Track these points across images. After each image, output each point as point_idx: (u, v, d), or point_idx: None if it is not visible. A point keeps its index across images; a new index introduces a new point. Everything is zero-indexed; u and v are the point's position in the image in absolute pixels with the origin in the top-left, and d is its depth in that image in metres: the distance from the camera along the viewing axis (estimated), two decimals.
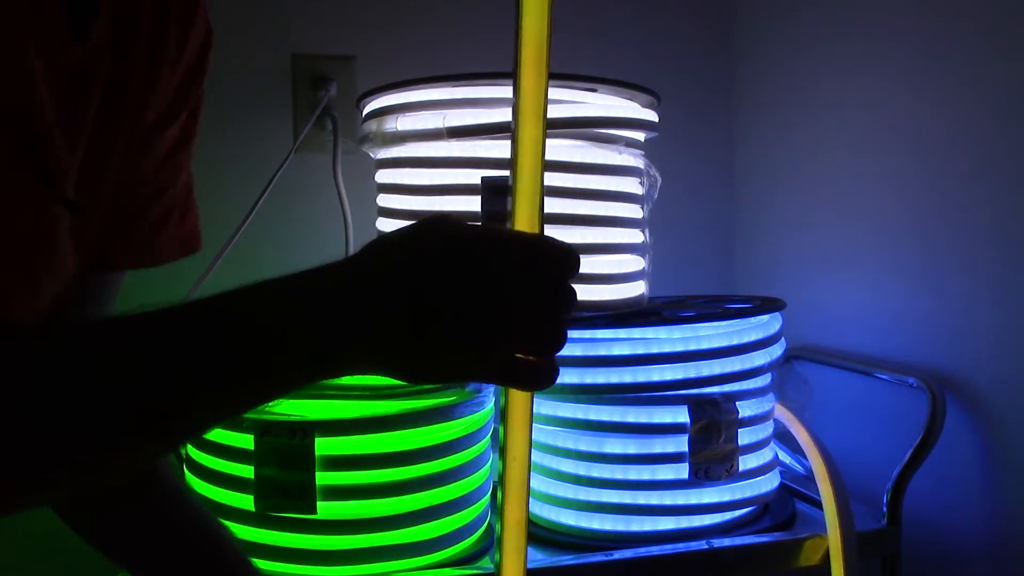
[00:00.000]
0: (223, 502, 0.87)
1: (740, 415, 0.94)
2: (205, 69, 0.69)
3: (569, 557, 0.91)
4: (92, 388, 0.44)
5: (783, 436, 1.08)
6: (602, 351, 0.93)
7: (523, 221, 0.55)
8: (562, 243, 0.52)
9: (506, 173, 0.88)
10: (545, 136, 0.55)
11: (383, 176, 1.01)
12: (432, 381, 0.53)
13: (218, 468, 0.87)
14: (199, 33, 0.66)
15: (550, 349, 0.52)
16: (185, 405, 0.46)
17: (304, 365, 0.48)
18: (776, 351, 0.99)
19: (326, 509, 0.84)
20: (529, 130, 0.55)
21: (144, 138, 0.65)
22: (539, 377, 0.53)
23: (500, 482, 0.59)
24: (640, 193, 0.99)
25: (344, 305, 0.48)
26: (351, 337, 0.48)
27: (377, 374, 0.51)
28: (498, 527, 0.60)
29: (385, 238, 0.52)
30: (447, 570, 0.89)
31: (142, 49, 0.61)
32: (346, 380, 0.80)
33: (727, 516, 0.97)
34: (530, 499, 0.99)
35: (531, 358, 0.52)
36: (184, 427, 0.49)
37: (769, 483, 0.99)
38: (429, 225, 0.52)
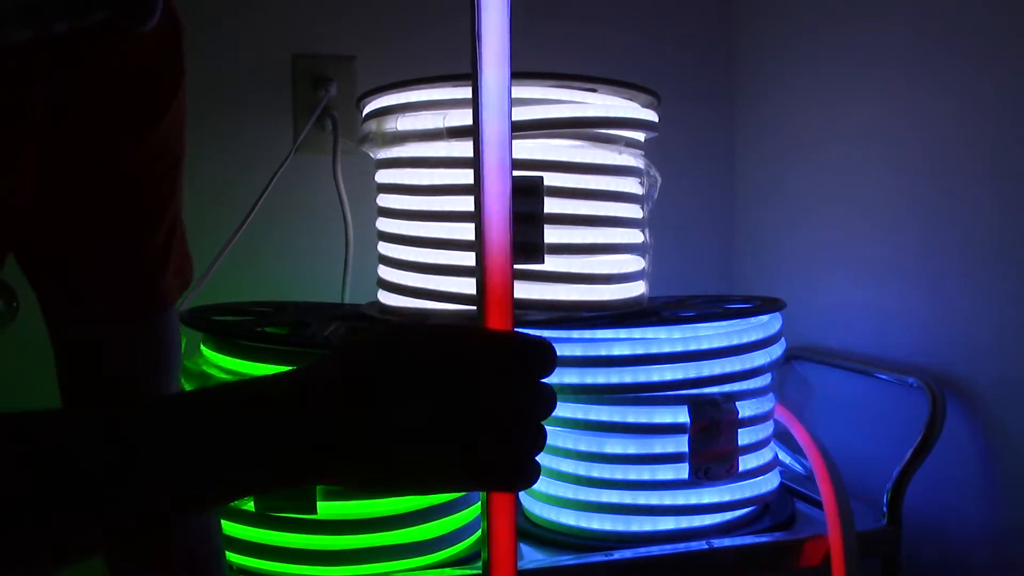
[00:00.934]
0: None
1: (740, 415, 0.94)
2: (178, 68, 0.64)
3: (569, 557, 0.91)
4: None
5: (783, 436, 1.08)
6: (602, 351, 0.93)
7: (494, 317, 0.52)
8: (536, 340, 0.50)
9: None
10: (511, 130, 0.52)
11: (383, 176, 1.01)
12: (409, 492, 0.51)
13: None
14: (152, 34, 0.61)
15: (528, 452, 0.50)
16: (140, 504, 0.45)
17: (260, 473, 0.47)
18: (776, 351, 0.99)
19: (326, 509, 0.84)
20: (496, 239, 0.51)
21: (111, 157, 0.62)
22: (518, 480, 0.50)
23: (484, 544, 0.56)
24: (640, 193, 0.99)
25: (302, 423, 0.47)
26: (312, 450, 0.47)
27: (343, 485, 0.50)
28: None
29: (349, 354, 0.50)
30: (447, 570, 0.89)
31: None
32: None
33: (727, 516, 0.97)
34: (530, 499, 0.99)
35: (509, 460, 0.49)
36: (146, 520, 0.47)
37: (769, 483, 0.99)
38: (394, 337, 0.50)
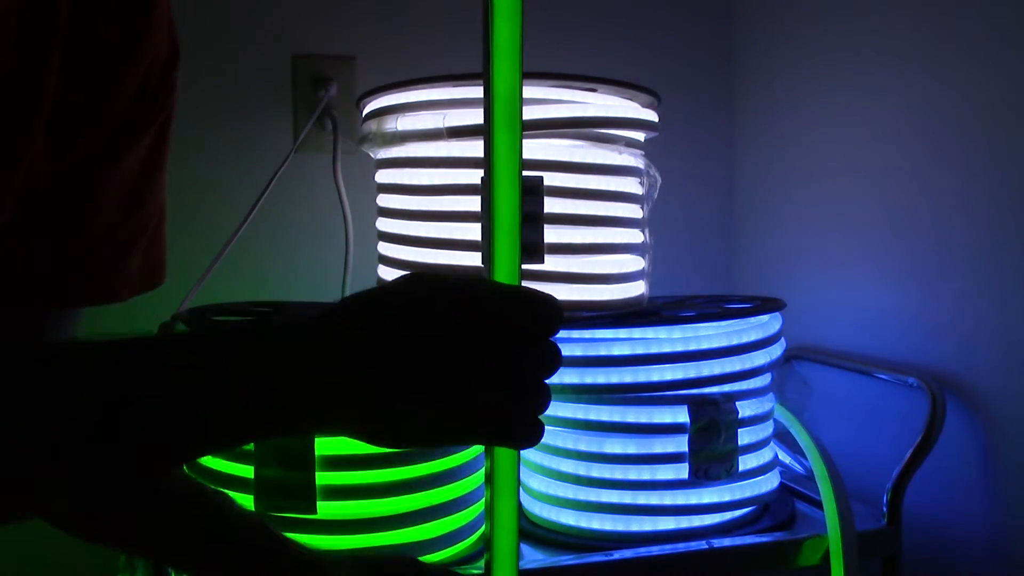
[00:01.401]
0: None
1: (740, 415, 0.94)
2: (168, 91, 0.64)
3: (569, 557, 0.91)
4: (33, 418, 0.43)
5: (783, 436, 1.08)
6: (602, 351, 0.93)
7: (503, 271, 0.53)
8: (544, 297, 0.50)
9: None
10: (521, 178, 0.53)
11: (383, 176, 1.01)
12: (405, 440, 0.50)
13: (218, 468, 0.87)
14: (156, 48, 0.62)
15: (530, 409, 0.49)
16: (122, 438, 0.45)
17: (256, 404, 0.46)
18: (776, 351, 0.99)
19: (326, 509, 0.84)
20: (505, 184, 0.52)
21: (90, 161, 0.61)
22: (522, 438, 0.50)
23: (487, 547, 0.56)
24: (640, 193, 0.99)
25: (302, 336, 0.47)
26: (311, 373, 0.46)
27: (346, 434, 0.49)
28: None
29: (362, 291, 0.50)
30: None
31: (57, 42, 0.56)
32: None
33: (727, 516, 0.97)
34: (530, 499, 0.99)
35: (511, 415, 0.49)
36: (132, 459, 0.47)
37: (769, 483, 0.99)
38: (409, 276, 0.50)
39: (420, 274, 0.51)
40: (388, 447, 0.51)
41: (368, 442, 0.49)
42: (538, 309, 0.49)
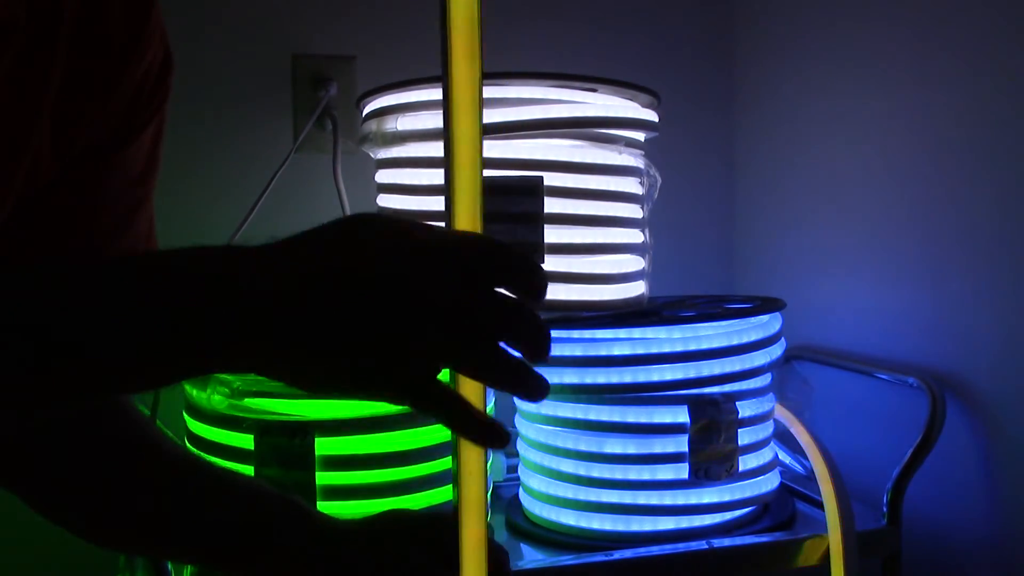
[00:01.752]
0: None
1: (740, 415, 0.94)
2: (163, 94, 0.65)
3: (569, 557, 0.91)
4: None
5: (783, 436, 1.08)
6: (602, 351, 0.93)
7: (463, 221, 0.49)
8: (490, 241, 0.46)
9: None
10: (482, 129, 0.51)
11: (383, 176, 1.01)
12: (328, 386, 0.47)
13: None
14: (153, 52, 0.62)
15: (474, 364, 0.45)
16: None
17: (164, 333, 0.45)
18: (776, 351, 0.99)
19: (326, 509, 0.84)
20: (464, 123, 0.52)
21: (91, 160, 0.61)
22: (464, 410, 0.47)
23: (455, 500, 0.53)
24: (640, 193, 0.99)
25: (218, 267, 0.47)
26: (221, 298, 0.45)
27: (268, 373, 0.47)
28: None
29: (298, 236, 0.49)
30: None
31: (63, 37, 0.56)
32: None
33: (727, 516, 0.97)
34: (530, 499, 0.99)
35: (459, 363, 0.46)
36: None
37: (769, 483, 0.99)
38: (349, 216, 0.49)
39: (361, 215, 0.49)
40: (313, 391, 0.49)
41: (289, 381, 0.47)
42: (479, 252, 0.46)
